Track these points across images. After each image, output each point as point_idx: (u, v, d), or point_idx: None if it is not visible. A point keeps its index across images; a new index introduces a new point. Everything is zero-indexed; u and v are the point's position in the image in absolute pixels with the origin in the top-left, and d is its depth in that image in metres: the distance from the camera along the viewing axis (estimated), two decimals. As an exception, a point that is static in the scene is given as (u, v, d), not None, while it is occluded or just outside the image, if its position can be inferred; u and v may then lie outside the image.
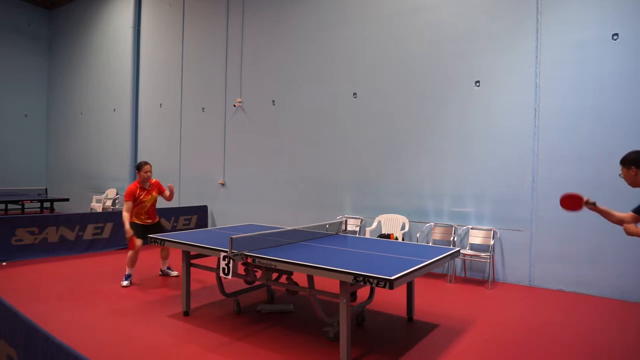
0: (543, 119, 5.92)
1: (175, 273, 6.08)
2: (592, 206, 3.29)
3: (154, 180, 5.86)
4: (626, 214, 3.36)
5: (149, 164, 5.74)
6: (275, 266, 3.53)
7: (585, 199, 3.30)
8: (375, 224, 7.15)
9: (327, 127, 7.98)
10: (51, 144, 14.46)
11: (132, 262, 5.60)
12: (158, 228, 5.87)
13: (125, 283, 5.52)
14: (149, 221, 5.78)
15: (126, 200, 5.54)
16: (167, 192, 5.82)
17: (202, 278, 5.85)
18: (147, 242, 5.35)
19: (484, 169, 6.36)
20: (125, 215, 5.49)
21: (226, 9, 9.57)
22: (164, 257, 6.07)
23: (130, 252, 5.56)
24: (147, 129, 11.33)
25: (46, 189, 13.20)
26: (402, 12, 7.14)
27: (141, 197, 5.65)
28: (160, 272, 6.14)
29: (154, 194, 5.80)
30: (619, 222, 3.27)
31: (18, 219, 7.04)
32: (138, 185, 5.66)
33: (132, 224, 5.55)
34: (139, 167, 5.71)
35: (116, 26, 12.14)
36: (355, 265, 3.34)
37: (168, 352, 3.55)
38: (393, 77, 7.22)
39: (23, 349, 2.22)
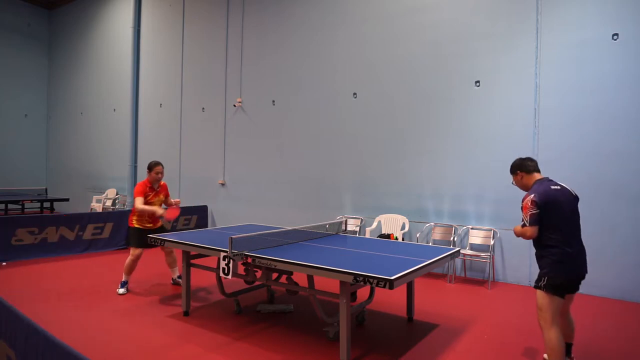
0: (543, 119, 5.92)
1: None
2: None
3: (163, 182, 5.51)
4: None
5: (161, 165, 5.37)
6: (275, 266, 3.53)
7: None
8: (375, 224, 7.15)
9: (327, 127, 7.98)
10: (51, 144, 14.46)
11: (130, 270, 5.28)
12: (159, 232, 5.46)
13: (121, 291, 5.19)
14: (150, 225, 5.38)
15: (137, 197, 5.14)
16: (172, 202, 5.43)
17: (202, 278, 5.84)
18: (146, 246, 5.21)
19: (484, 169, 6.36)
20: (142, 207, 5.08)
21: (226, 9, 9.57)
22: (171, 265, 5.64)
23: (127, 260, 5.25)
24: (147, 129, 11.33)
25: (46, 189, 13.21)
26: (402, 12, 7.14)
27: (149, 198, 5.26)
28: (172, 282, 5.72)
29: (162, 196, 5.43)
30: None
31: (18, 219, 7.04)
32: (148, 185, 5.30)
33: (132, 229, 5.30)
34: (150, 167, 5.33)
35: (116, 26, 12.14)
36: (355, 265, 3.34)
37: (168, 352, 3.55)
38: (393, 77, 7.22)
39: (22, 349, 2.21)
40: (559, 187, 3.19)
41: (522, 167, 3.35)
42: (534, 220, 3.08)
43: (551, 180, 3.25)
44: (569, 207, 3.14)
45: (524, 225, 3.14)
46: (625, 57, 5.39)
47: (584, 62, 5.65)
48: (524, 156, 3.49)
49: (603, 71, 5.52)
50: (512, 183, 3.49)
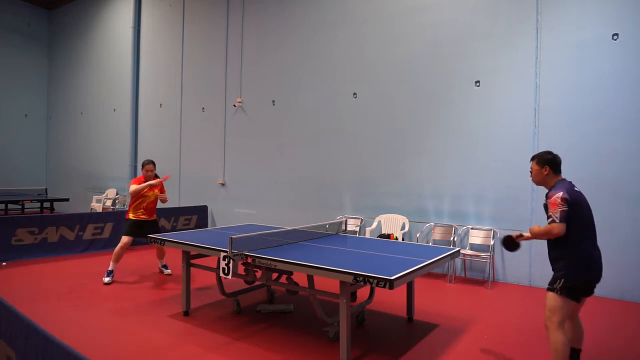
0: (543, 119, 5.92)
1: (168, 271, 6.14)
2: (522, 237, 3.42)
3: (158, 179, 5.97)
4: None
5: (152, 164, 5.84)
6: (275, 266, 3.53)
7: (514, 235, 3.43)
8: (375, 224, 7.15)
9: (327, 127, 7.98)
10: (51, 144, 14.46)
11: (117, 258, 5.67)
12: (153, 225, 5.91)
13: (106, 280, 5.57)
14: (145, 217, 5.85)
15: (132, 184, 5.71)
16: (163, 197, 6.00)
17: (202, 278, 5.84)
18: (140, 240, 5.55)
19: (484, 169, 6.36)
20: (136, 187, 5.62)
21: (226, 9, 9.57)
22: (160, 257, 6.16)
23: (117, 248, 5.66)
24: (147, 129, 11.33)
25: (46, 189, 13.21)
26: (402, 12, 7.14)
27: (144, 192, 5.78)
28: (159, 270, 6.28)
29: (156, 191, 5.92)
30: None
31: (18, 219, 7.03)
32: (142, 180, 5.78)
33: (127, 220, 5.83)
34: (142, 165, 5.85)
35: (116, 26, 12.14)
36: (355, 265, 3.34)
37: (168, 352, 3.55)
38: (393, 77, 7.22)
39: (22, 349, 2.21)
40: (577, 190, 3.09)
41: (553, 165, 3.17)
42: (564, 217, 2.93)
43: (570, 182, 3.15)
44: (588, 211, 3.06)
45: (552, 222, 2.95)
46: (625, 57, 5.39)
47: (584, 62, 5.65)
48: (551, 153, 3.25)
49: (603, 71, 5.52)
50: (530, 170, 3.31)
